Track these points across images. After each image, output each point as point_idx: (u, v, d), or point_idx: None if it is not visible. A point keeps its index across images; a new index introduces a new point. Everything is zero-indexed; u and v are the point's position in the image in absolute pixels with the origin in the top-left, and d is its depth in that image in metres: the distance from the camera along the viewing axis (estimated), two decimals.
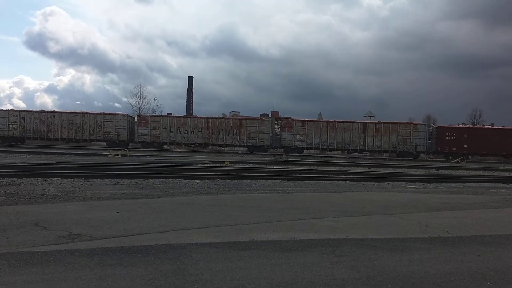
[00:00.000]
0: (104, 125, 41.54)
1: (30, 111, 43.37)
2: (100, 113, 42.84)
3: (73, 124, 41.75)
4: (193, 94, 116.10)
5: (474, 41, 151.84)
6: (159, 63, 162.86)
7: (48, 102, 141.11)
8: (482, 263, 4.69)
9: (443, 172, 22.50)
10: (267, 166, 21.74)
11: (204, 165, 21.22)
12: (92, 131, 41.65)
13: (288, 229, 6.13)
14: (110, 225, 6.02)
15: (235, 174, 15.56)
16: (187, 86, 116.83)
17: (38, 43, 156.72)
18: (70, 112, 43.36)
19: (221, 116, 43.93)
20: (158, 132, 41.19)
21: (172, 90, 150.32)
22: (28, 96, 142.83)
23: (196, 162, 22.82)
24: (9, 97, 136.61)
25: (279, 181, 14.07)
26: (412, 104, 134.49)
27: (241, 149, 42.74)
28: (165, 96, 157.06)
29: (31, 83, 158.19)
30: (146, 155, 28.60)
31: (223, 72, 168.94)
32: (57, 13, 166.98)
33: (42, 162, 19.22)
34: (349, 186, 13.38)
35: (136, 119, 43.47)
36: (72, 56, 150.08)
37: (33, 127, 41.82)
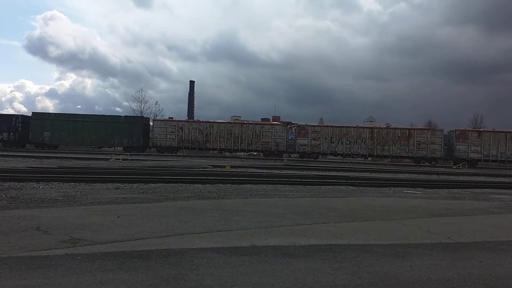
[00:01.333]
0: (262, 135, 40.42)
1: (188, 120, 42.78)
2: (259, 123, 42.06)
3: (231, 134, 40.60)
4: (194, 99, 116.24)
5: (475, 47, 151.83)
6: (159, 67, 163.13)
7: (49, 106, 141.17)
8: (484, 269, 4.67)
9: (445, 177, 22.46)
10: (268, 171, 21.73)
11: (205, 169, 21.21)
12: (251, 141, 40.43)
13: (289, 234, 6.13)
14: (111, 229, 6.02)
15: (236, 178, 15.55)
16: (188, 91, 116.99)
17: (38, 48, 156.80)
18: (229, 122, 42.97)
19: (384, 126, 42.13)
20: (318, 143, 39.60)
21: (173, 94, 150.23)
22: (29, 100, 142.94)
23: (197, 166, 22.81)
24: (11, 101, 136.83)
25: (280, 185, 14.06)
26: (412, 109, 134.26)
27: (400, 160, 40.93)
28: (166, 100, 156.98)
29: (33, 87, 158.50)
30: (147, 160, 28.59)
31: (224, 77, 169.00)
32: (58, 18, 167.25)
33: (43, 166, 19.23)
34: (350, 191, 13.36)
35: (294, 129, 41.50)
36: (72, 61, 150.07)
37: (191, 137, 40.61)
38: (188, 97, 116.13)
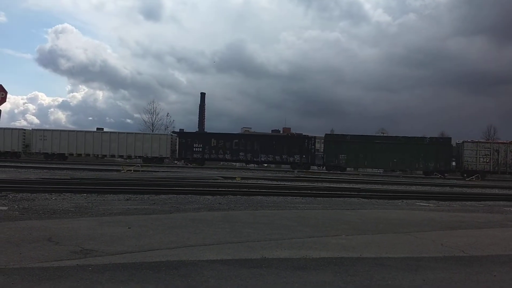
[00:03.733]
0: None
1: (505, 142, 38.35)
2: None
3: None
4: (205, 110, 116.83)
5: (486, 57, 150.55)
6: (169, 79, 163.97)
7: (61, 118, 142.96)
8: (498, 283, 4.59)
9: (458, 190, 22.18)
10: (279, 183, 21.66)
11: (215, 181, 21.21)
12: None
13: (300, 247, 6.08)
14: (122, 240, 6.03)
15: (246, 190, 15.52)
16: (199, 103, 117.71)
17: (49, 60, 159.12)
18: None
19: None
20: None
21: (182, 106, 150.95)
22: (42, 112, 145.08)
23: (207, 178, 22.84)
24: (23, 113, 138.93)
25: (290, 197, 14.00)
26: (423, 121, 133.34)
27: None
28: (176, 112, 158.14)
29: (45, 99, 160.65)
30: (158, 171, 28.71)
31: (233, 88, 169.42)
32: (69, 31, 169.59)
33: (56, 177, 19.40)
34: (362, 203, 13.24)
35: None
36: (83, 73, 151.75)
37: (508, 161, 37.10)
38: (199, 109, 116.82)
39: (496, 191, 22.31)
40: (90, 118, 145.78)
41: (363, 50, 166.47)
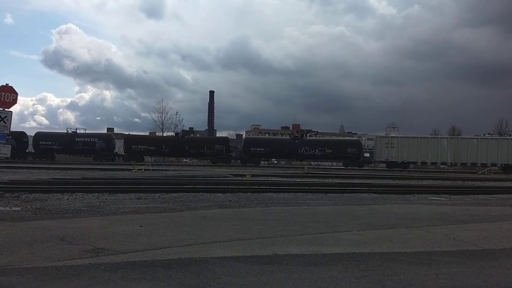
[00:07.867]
0: None
1: None
2: None
3: None
4: (214, 108, 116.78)
5: (495, 48, 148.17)
6: (175, 77, 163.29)
7: (71, 119, 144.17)
8: None
9: (470, 183, 21.98)
10: (289, 179, 21.64)
11: (225, 178, 21.25)
12: None
13: (311, 242, 6.06)
14: (133, 239, 6.06)
15: (257, 187, 15.52)
16: (208, 101, 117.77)
17: (54, 61, 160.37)
18: None
19: None
20: None
21: (190, 104, 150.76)
22: (51, 113, 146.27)
23: (217, 176, 22.89)
24: (33, 114, 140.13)
25: (301, 194, 13.96)
26: (433, 114, 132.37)
27: None
28: (183, 110, 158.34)
29: (54, 100, 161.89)
30: (168, 170, 28.86)
31: (239, 85, 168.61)
32: (72, 31, 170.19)
33: (68, 177, 19.58)
34: (373, 198, 13.17)
35: None
36: (89, 73, 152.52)
37: None
38: (208, 107, 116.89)
39: (508, 184, 22.06)
40: (98, 118, 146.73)
41: (369, 43, 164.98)
